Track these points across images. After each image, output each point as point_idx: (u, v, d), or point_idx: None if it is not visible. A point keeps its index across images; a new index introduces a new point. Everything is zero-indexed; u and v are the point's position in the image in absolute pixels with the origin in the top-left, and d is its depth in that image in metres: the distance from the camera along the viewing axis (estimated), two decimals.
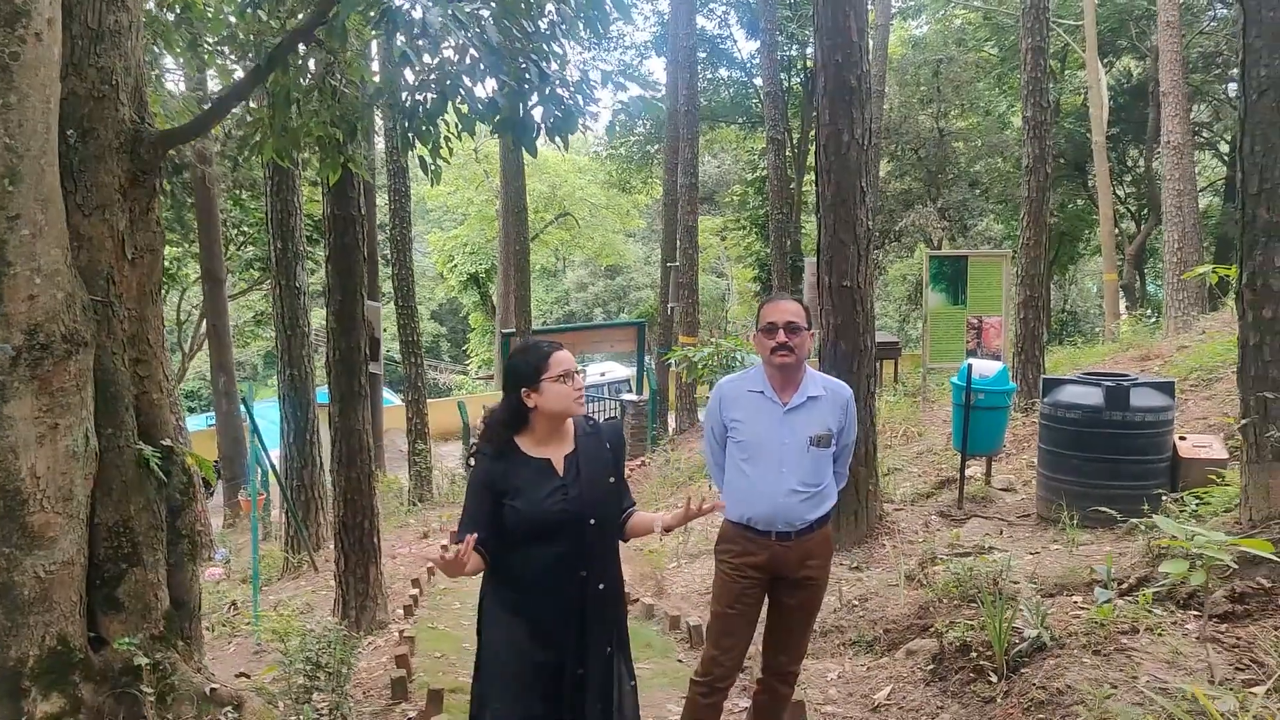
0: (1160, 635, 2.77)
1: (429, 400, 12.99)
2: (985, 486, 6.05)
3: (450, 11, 3.09)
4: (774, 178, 14.03)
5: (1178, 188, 13.31)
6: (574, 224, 28.26)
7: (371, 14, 3.23)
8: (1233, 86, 16.81)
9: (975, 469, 6.34)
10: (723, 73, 20.67)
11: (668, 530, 2.46)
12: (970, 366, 5.76)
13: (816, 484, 2.71)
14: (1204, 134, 19.92)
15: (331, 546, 6.32)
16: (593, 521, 2.31)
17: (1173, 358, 8.30)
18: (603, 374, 20.02)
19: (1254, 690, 2.40)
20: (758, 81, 16.29)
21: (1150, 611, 2.94)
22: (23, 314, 2.86)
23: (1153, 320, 14.88)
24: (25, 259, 2.85)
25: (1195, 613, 2.93)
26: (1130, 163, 21.26)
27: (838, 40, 5.21)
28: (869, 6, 21.55)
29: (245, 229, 16.15)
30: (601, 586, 2.32)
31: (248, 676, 4.29)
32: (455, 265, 29.66)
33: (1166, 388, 5.09)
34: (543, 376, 2.28)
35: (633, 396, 14.78)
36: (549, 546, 2.26)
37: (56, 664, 3.03)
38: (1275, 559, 2.51)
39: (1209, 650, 2.58)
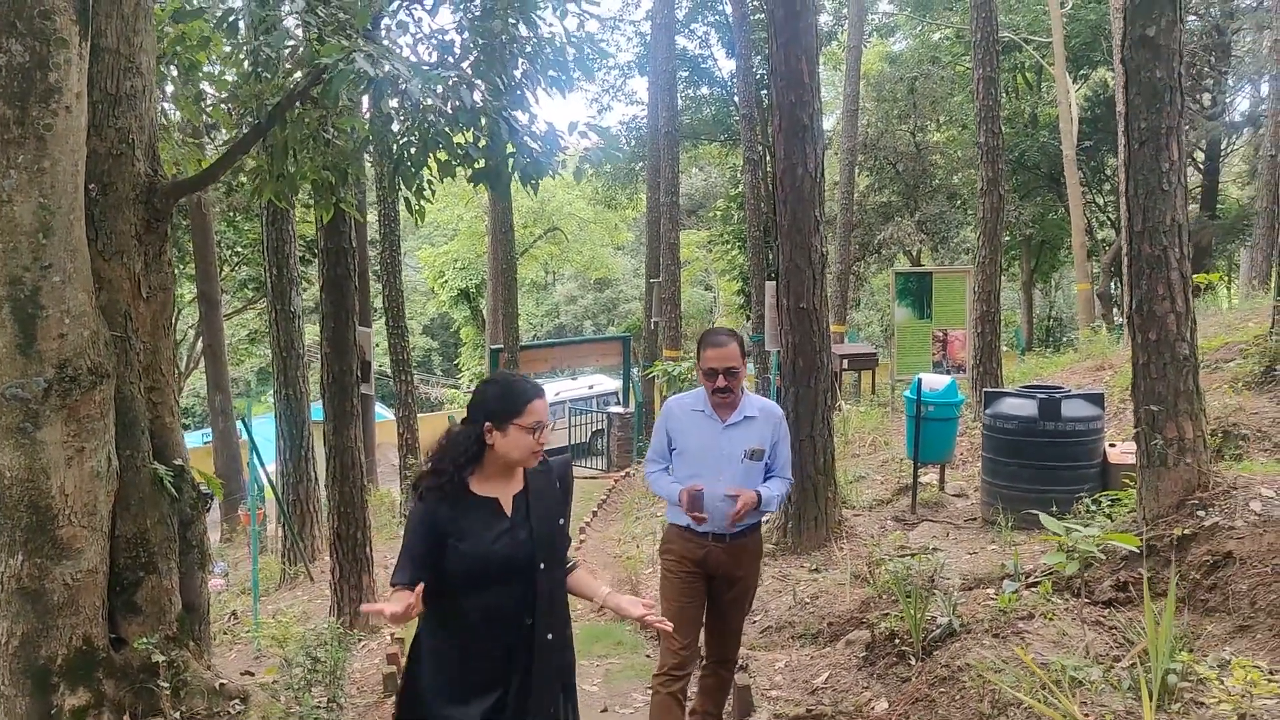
0: (1051, 620, 3.18)
1: (420, 415, 13.38)
2: (939, 493, 6.47)
3: (426, 77, 3.49)
4: (750, 196, 14.48)
5: None
6: (563, 238, 28.72)
7: (361, 80, 3.63)
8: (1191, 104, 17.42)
9: (931, 476, 6.76)
10: (704, 90, 21.16)
11: (604, 607, 2.37)
12: (920, 380, 6.19)
13: None
14: None
15: (327, 558, 6.69)
16: (542, 566, 2.15)
17: (1122, 367, 8.74)
18: (590, 386, 20.34)
19: (1119, 662, 2.82)
20: (738, 99, 16.82)
21: (1049, 600, 3.35)
22: (54, 350, 3.23)
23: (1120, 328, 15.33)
24: (56, 302, 3.23)
25: (1087, 600, 3.35)
26: (1110, 171, 21.80)
27: (790, 81, 5.66)
28: (842, 28, 21.91)
29: (240, 250, 16.51)
30: (550, 636, 2.15)
31: (252, 674, 4.66)
32: (446, 281, 30.08)
33: (1096, 399, 5.52)
34: (514, 421, 2.12)
35: (619, 409, 15.18)
36: (493, 592, 2.11)
37: (82, 662, 3.38)
38: (1135, 550, 2.92)
39: (1086, 631, 2.99)
